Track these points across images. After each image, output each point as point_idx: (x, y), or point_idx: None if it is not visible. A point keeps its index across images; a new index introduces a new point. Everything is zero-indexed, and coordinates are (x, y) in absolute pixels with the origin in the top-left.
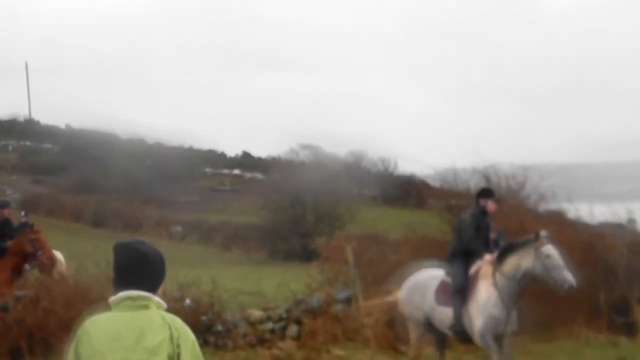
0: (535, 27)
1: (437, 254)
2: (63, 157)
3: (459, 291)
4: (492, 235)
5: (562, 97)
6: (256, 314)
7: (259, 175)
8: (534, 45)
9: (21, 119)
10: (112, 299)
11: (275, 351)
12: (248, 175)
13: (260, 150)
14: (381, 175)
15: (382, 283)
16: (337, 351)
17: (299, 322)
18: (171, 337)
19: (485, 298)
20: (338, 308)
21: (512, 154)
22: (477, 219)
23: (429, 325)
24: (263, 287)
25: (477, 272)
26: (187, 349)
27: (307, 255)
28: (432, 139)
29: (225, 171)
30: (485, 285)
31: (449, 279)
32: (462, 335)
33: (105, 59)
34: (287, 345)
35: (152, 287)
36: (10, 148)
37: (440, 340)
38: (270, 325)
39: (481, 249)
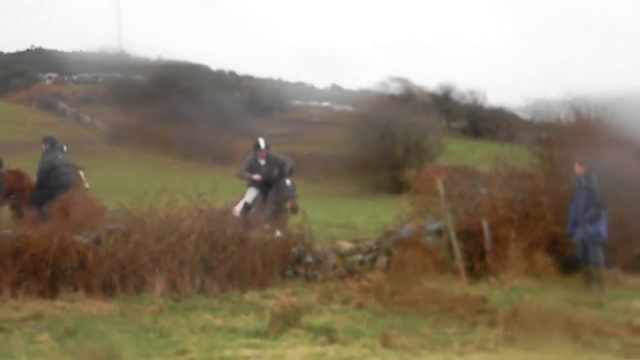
0: None
1: (527, 187)
2: (153, 88)
3: None
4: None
5: None
6: (346, 245)
7: (348, 108)
8: None
9: (112, 51)
10: None
11: (365, 283)
12: (337, 107)
13: (350, 83)
14: (470, 107)
15: (473, 215)
16: (428, 283)
17: (388, 253)
18: None
19: None
20: (429, 239)
21: (600, 85)
22: None
23: None
24: (353, 219)
25: None
26: None
27: (396, 188)
28: (519, 72)
29: (314, 103)
30: None
31: None
32: None
33: None
34: (376, 276)
35: None
36: (100, 80)
37: None
38: (359, 256)
39: None
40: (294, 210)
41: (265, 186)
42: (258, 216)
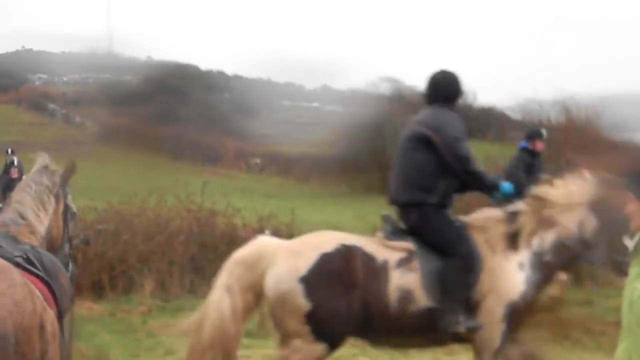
0: None
1: None
2: (142, 89)
3: None
4: None
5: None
6: None
7: (338, 108)
8: None
9: (101, 52)
10: None
11: None
12: (327, 108)
13: (340, 83)
14: (460, 107)
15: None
16: None
17: None
18: None
19: None
20: None
21: (587, 85)
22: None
23: None
24: (342, 219)
25: None
26: None
27: (386, 188)
28: (509, 72)
29: (304, 104)
30: None
31: None
32: None
33: None
34: None
35: None
36: (90, 80)
37: None
38: None
39: None
40: None
41: None
42: None
